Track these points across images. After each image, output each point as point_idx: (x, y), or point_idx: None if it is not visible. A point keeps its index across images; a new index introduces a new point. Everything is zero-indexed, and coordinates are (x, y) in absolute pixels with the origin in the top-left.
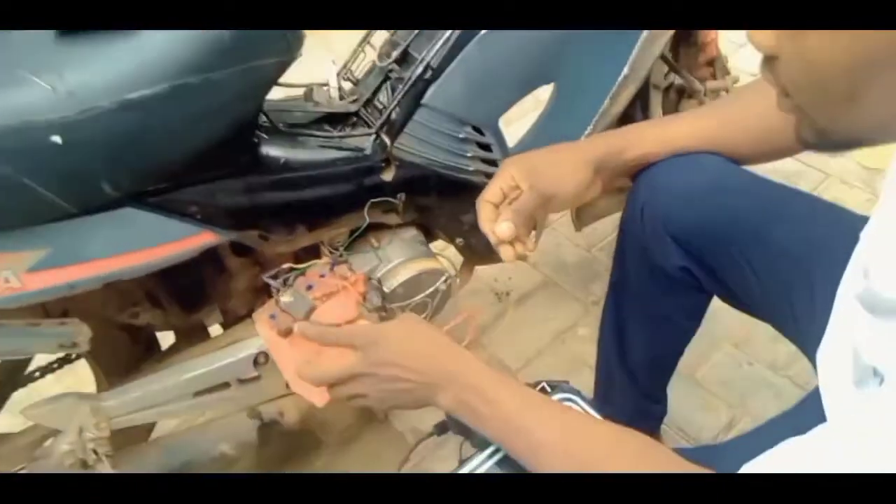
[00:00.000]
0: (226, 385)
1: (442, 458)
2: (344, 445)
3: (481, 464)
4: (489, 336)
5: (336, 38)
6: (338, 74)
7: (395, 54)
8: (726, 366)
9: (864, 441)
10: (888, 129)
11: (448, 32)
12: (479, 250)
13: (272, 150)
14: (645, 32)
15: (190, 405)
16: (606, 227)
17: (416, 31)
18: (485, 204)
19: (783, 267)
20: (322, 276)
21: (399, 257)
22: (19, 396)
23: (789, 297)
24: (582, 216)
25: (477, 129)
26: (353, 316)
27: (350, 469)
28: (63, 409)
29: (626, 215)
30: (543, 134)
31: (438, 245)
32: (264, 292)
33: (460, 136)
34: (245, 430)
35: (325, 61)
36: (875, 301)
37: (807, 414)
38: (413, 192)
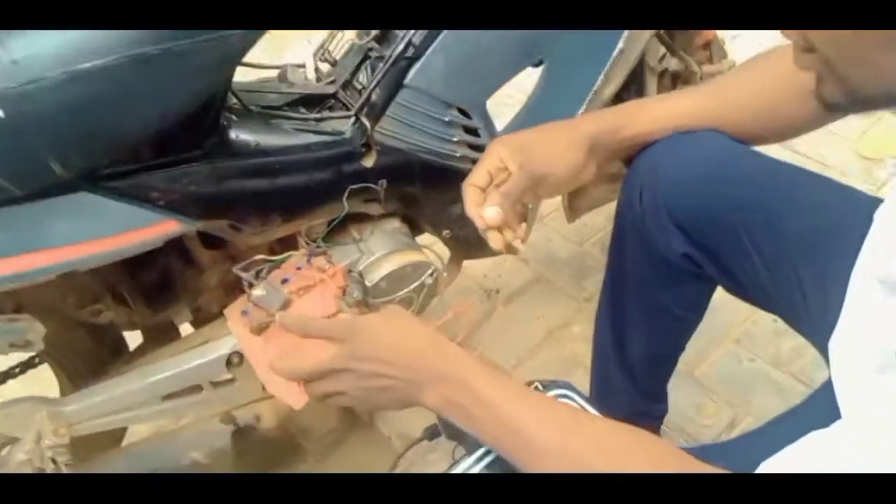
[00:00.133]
0: (197, 388)
1: (431, 463)
2: (326, 452)
3: (471, 466)
4: (478, 335)
5: None
6: (314, 55)
7: (374, 31)
8: (727, 362)
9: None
10: None
11: None
12: (467, 243)
13: (242, 134)
14: None
15: (158, 410)
16: (599, 221)
17: None
18: (471, 188)
19: (793, 251)
20: (298, 268)
21: (382, 250)
22: None
23: (800, 282)
24: (574, 206)
25: (463, 112)
26: (332, 311)
27: None
28: (18, 415)
29: (623, 199)
30: (534, 116)
31: (425, 241)
32: (238, 289)
33: (445, 119)
34: (218, 437)
35: (301, 41)
36: None
37: (816, 410)
38: (396, 179)
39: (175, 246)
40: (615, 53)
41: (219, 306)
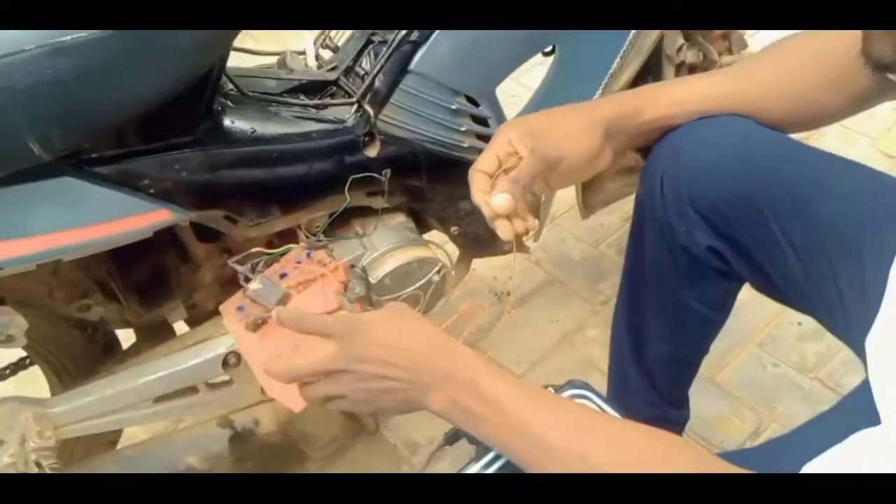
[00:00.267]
0: (192, 390)
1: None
2: (330, 460)
3: (486, 466)
4: (489, 339)
5: None
6: (315, 41)
7: None
8: (750, 367)
9: None
10: None
11: None
12: (476, 240)
13: (238, 120)
14: None
15: (151, 413)
16: (615, 221)
17: None
18: (477, 173)
19: (827, 241)
20: (298, 262)
21: (386, 245)
22: None
23: (835, 276)
24: (589, 201)
25: (471, 100)
26: (333, 307)
27: None
28: (2, 416)
29: (643, 189)
30: (545, 103)
31: (435, 240)
32: (235, 285)
33: (452, 107)
34: (215, 441)
35: None
36: None
37: (850, 414)
38: (400, 171)
39: (168, 238)
40: (630, 37)
41: (215, 304)
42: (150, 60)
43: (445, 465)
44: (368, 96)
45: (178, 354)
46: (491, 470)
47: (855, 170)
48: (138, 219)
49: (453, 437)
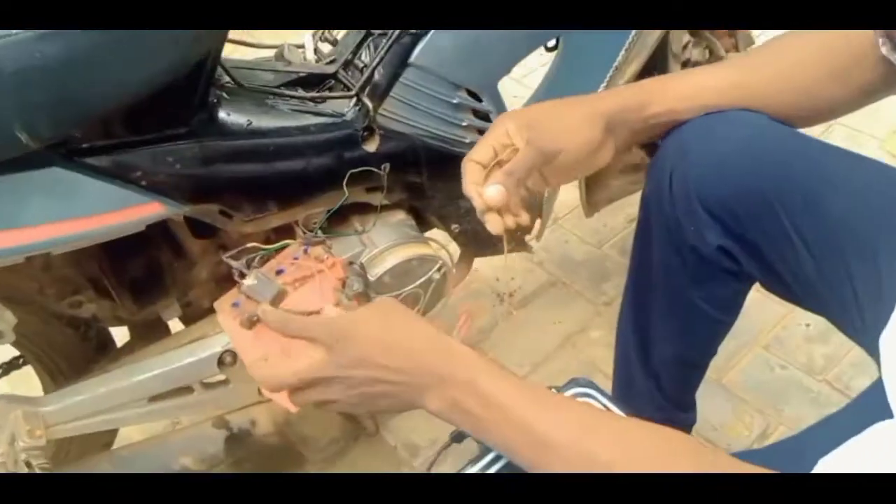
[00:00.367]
0: (187, 390)
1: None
2: (329, 462)
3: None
4: (491, 340)
5: None
6: (314, 34)
7: None
8: (757, 369)
9: None
10: None
11: None
12: (478, 238)
13: (234, 112)
14: None
15: (144, 412)
16: (619, 222)
17: None
18: (471, 163)
19: (842, 239)
20: (295, 259)
21: (385, 242)
22: None
23: (850, 276)
24: (593, 199)
25: (473, 95)
26: (331, 304)
27: None
28: None
29: (650, 186)
30: (548, 98)
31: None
32: (231, 282)
33: (454, 101)
34: (211, 442)
35: None
36: None
37: (861, 414)
38: (400, 167)
39: (162, 234)
40: (635, 31)
41: (210, 301)
42: (140, 49)
43: (447, 465)
44: (367, 90)
45: (172, 353)
46: (492, 470)
47: (868, 165)
48: (130, 212)
49: (459, 435)
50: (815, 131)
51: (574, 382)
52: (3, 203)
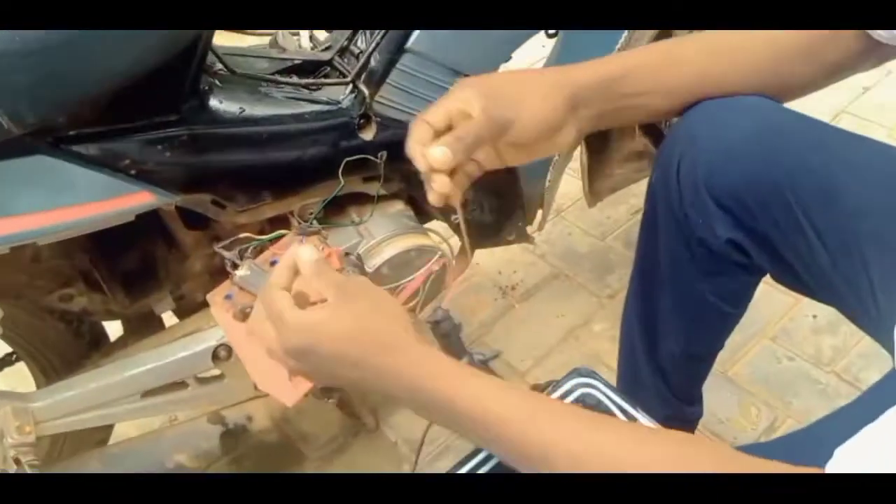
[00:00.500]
0: (181, 384)
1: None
2: (328, 459)
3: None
4: (493, 333)
5: None
6: None
7: None
8: (764, 361)
9: None
10: None
11: None
12: (478, 230)
13: (227, 100)
14: None
15: (138, 408)
16: (622, 214)
17: None
18: (420, 123)
19: (857, 228)
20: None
21: (383, 232)
22: None
23: (865, 265)
24: (595, 188)
25: None
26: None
27: None
28: None
29: (657, 176)
30: None
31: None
32: (226, 275)
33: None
34: (206, 438)
35: None
36: None
37: (873, 405)
38: (398, 156)
39: (153, 225)
40: None
41: (204, 294)
42: (123, 33)
43: (448, 461)
44: (363, 76)
45: (165, 347)
46: (492, 463)
47: (883, 151)
48: (119, 201)
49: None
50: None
51: (576, 373)
52: None
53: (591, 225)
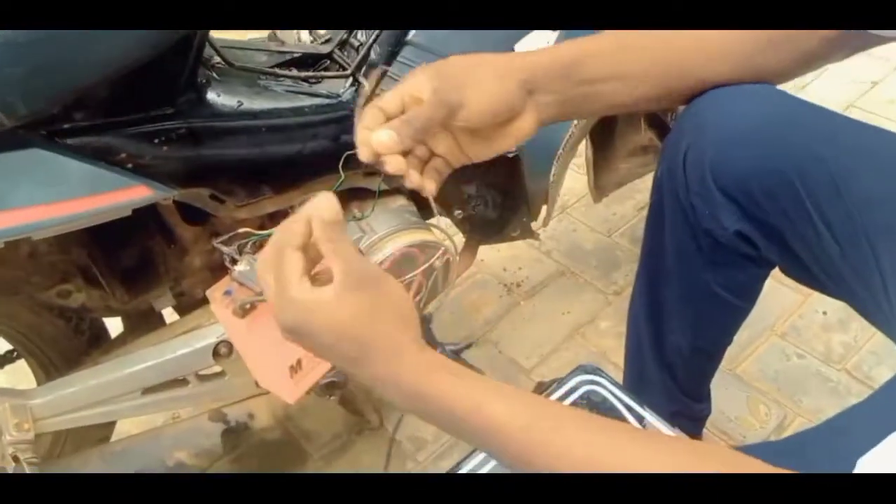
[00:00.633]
0: (182, 382)
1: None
2: (331, 457)
3: (480, 465)
4: (498, 332)
5: None
6: None
7: None
8: (773, 358)
9: None
10: None
11: None
12: (482, 225)
13: (224, 93)
14: None
15: (138, 405)
16: (628, 210)
17: None
18: (372, 108)
19: (869, 219)
20: None
21: (385, 228)
22: None
23: (876, 257)
24: (600, 183)
25: None
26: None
27: None
28: None
29: (664, 166)
30: None
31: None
32: (226, 271)
33: None
34: (207, 436)
35: None
36: None
37: (888, 405)
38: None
39: (152, 219)
40: None
41: (204, 291)
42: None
43: (450, 462)
44: (364, 69)
45: (165, 344)
46: (491, 464)
47: (894, 140)
48: (115, 195)
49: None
50: None
51: (581, 369)
52: None
53: (596, 221)
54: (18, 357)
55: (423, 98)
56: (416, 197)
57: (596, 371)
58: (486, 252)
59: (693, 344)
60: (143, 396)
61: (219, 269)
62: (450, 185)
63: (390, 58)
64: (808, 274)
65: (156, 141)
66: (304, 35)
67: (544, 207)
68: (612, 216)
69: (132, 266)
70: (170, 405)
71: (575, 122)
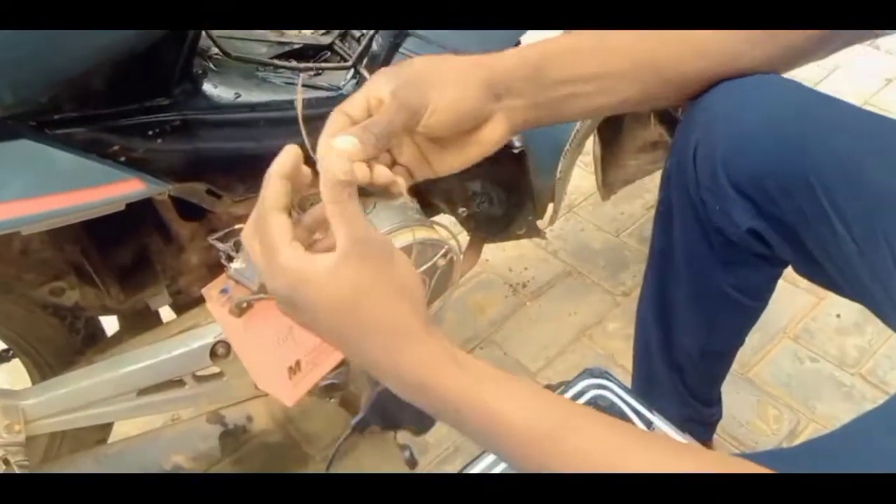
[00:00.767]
0: (179, 383)
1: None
2: (333, 461)
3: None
4: (504, 333)
5: None
6: None
7: None
8: (785, 362)
9: None
10: None
11: None
12: (487, 223)
13: (221, 84)
14: None
15: (133, 407)
16: (636, 210)
17: None
18: (337, 114)
19: (887, 218)
20: None
21: (387, 225)
22: None
23: (894, 256)
24: (608, 180)
25: None
26: None
27: None
28: None
29: (673, 161)
30: None
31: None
32: (224, 268)
33: None
34: (205, 439)
35: None
36: None
37: None
38: None
39: (147, 215)
40: None
41: (202, 288)
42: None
43: (455, 466)
44: (365, 60)
45: (161, 344)
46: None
47: None
48: (107, 189)
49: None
50: None
51: (588, 373)
52: None
53: (604, 221)
54: (14, 356)
55: (384, 99)
56: (419, 193)
57: (603, 375)
58: (492, 251)
59: (703, 346)
60: (138, 398)
61: (217, 267)
62: (454, 181)
63: (392, 49)
64: (823, 274)
65: (150, 133)
66: None
67: (550, 205)
68: (620, 215)
69: (127, 263)
70: (166, 407)
71: None
